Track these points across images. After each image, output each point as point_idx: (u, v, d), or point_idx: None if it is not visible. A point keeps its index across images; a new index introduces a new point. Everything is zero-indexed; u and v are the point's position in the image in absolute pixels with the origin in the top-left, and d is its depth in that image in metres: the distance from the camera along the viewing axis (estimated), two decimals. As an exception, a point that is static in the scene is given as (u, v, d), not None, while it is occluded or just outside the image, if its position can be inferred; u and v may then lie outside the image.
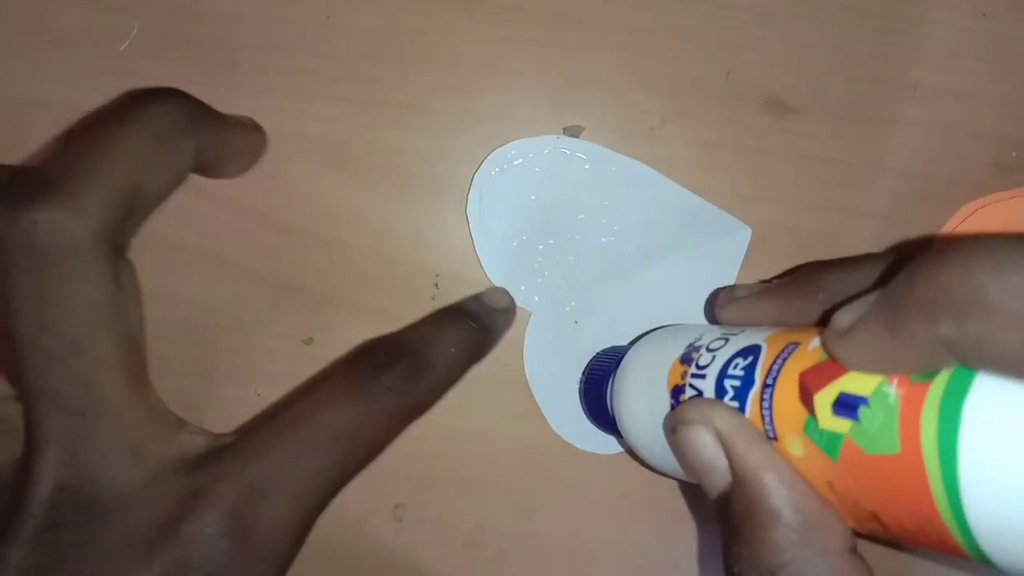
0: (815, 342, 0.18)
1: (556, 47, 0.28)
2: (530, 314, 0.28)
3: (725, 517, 0.19)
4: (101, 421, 0.19)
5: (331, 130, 0.27)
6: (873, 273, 0.20)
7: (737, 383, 0.20)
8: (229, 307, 0.27)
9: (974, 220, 0.28)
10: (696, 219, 0.28)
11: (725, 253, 0.28)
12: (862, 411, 0.16)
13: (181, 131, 0.22)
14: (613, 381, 0.25)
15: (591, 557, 0.28)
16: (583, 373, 0.27)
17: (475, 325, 0.25)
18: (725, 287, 0.25)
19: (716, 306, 0.24)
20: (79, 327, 0.19)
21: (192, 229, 0.27)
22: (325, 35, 0.27)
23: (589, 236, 0.28)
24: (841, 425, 0.17)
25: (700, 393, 0.21)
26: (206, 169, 0.24)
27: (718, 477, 0.19)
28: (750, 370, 0.20)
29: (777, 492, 0.18)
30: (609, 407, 0.25)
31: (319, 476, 0.20)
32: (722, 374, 0.20)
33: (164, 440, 0.20)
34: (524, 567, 0.28)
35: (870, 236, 0.28)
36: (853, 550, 0.18)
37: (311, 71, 0.27)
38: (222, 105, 0.24)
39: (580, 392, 0.27)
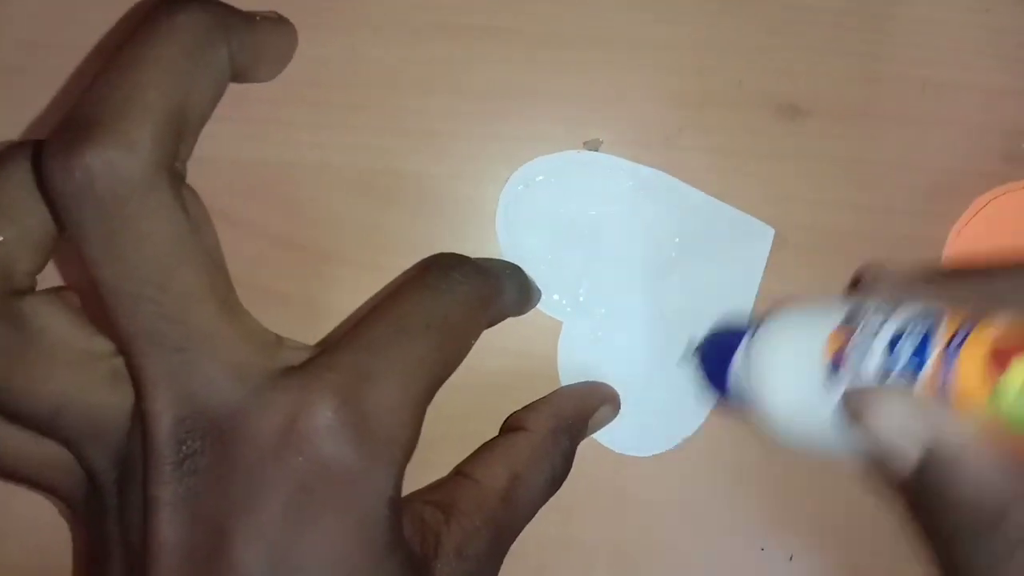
0: (998, 321, 0.19)
1: (571, 66, 0.28)
2: (561, 324, 0.29)
3: (921, 494, 0.20)
4: (201, 352, 0.19)
5: (357, 159, 0.28)
6: None
7: (913, 347, 0.20)
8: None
9: (988, 210, 0.28)
10: (718, 223, 0.28)
11: (749, 255, 0.28)
12: None
13: (212, 39, 0.20)
14: (745, 354, 0.24)
15: (633, 564, 0.29)
16: (695, 349, 0.28)
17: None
18: (871, 265, 0.25)
19: (867, 282, 0.25)
20: (158, 264, 0.19)
21: (228, 258, 0.27)
22: (349, 67, 0.28)
23: (614, 246, 0.28)
24: None
25: (867, 356, 0.21)
26: (243, 74, 0.22)
27: (910, 456, 0.20)
28: (928, 336, 0.20)
29: (980, 463, 0.19)
30: (730, 383, 0.25)
31: (420, 360, 0.20)
32: (896, 337, 0.20)
33: (266, 356, 0.20)
34: (565, 574, 0.29)
35: (886, 231, 0.29)
36: None
37: (336, 103, 0.28)
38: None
39: (697, 367, 0.27)
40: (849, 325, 0.22)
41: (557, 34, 0.29)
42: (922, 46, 0.29)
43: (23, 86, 0.29)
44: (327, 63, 0.28)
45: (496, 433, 0.27)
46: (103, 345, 0.21)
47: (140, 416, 0.20)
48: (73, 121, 0.19)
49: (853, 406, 0.21)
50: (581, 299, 0.29)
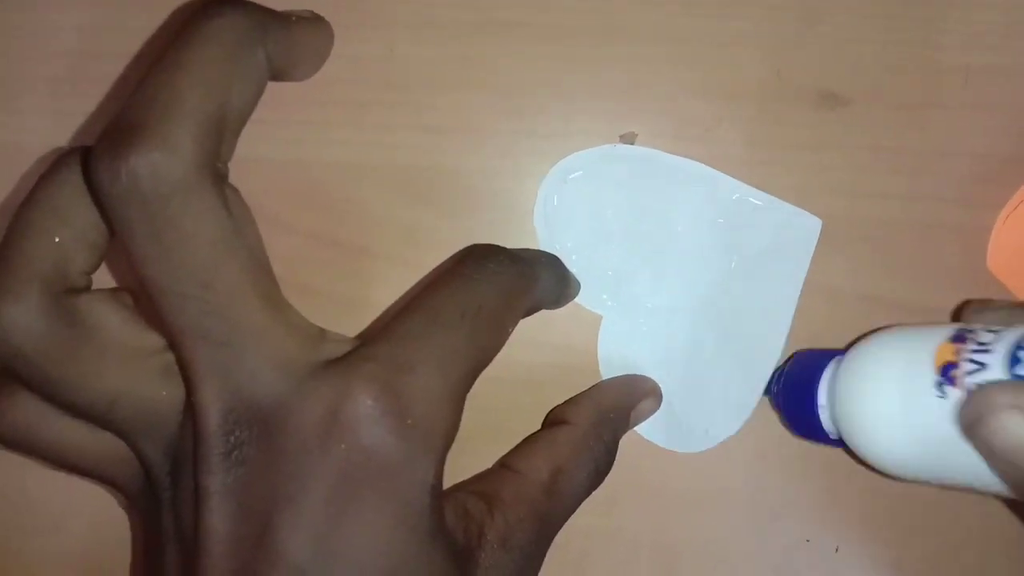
0: None
1: (608, 61, 0.29)
2: (601, 318, 0.29)
3: None
4: (246, 346, 0.20)
5: (395, 156, 0.29)
6: None
7: None
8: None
9: (1035, 197, 0.28)
10: (761, 213, 0.28)
11: (794, 245, 0.28)
12: None
13: (249, 41, 0.21)
14: (833, 382, 0.24)
15: (675, 555, 0.29)
16: (774, 383, 0.27)
17: None
18: (973, 300, 0.25)
19: (971, 311, 0.25)
20: (203, 262, 0.19)
21: (270, 258, 0.28)
22: (386, 66, 0.29)
23: (653, 238, 0.28)
24: None
25: (984, 366, 0.20)
26: (281, 73, 0.23)
27: None
28: None
29: None
30: (822, 412, 0.24)
31: (458, 349, 0.21)
32: (1017, 346, 0.20)
33: (310, 349, 0.21)
34: (607, 565, 0.29)
35: (931, 219, 0.28)
36: None
37: (372, 101, 0.29)
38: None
39: (776, 397, 0.27)
40: (959, 340, 0.21)
41: (592, 29, 0.29)
42: (964, 32, 0.28)
43: (72, 96, 0.29)
44: (363, 62, 0.29)
45: (537, 427, 0.28)
46: (155, 341, 0.21)
47: (190, 409, 0.20)
48: (118, 126, 0.19)
49: (972, 411, 0.20)
50: (621, 293, 0.29)
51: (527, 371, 0.29)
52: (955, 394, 0.21)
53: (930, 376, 0.21)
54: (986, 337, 0.21)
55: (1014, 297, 0.28)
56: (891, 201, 0.28)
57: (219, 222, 0.20)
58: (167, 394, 0.21)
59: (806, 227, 0.28)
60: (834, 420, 0.24)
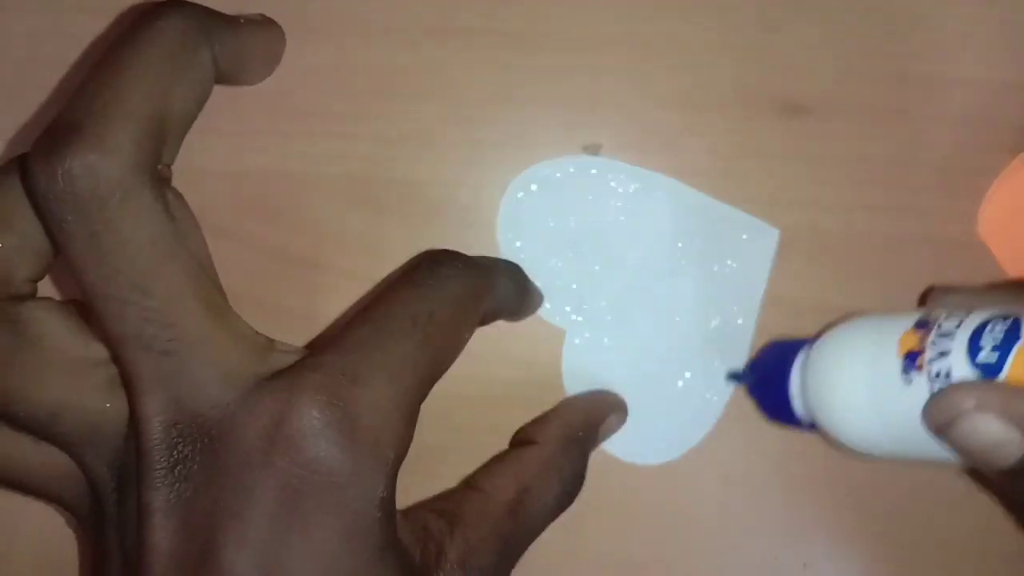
0: None
1: (568, 70, 0.28)
2: (565, 331, 0.28)
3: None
4: (188, 355, 0.19)
5: (352, 167, 0.28)
6: None
7: (997, 340, 0.20)
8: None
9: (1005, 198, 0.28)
10: (721, 224, 0.28)
11: (753, 256, 0.28)
12: None
13: (193, 43, 0.21)
14: (804, 367, 0.24)
15: (642, 574, 0.28)
16: (746, 368, 0.27)
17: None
18: (937, 285, 0.26)
19: (935, 296, 0.25)
20: (142, 266, 0.19)
21: (220, 272, 0.27)
22: (339, 76, 0.28)
23: (617, 250, 0.28)
24: None
25: (946, 353, 0.21)
26: (229, 77, 0.23)
27: (1011, 450, 0.19)
28: (1015, 330, 0.20)
29: None
30: (793, 397, 0.25)
31: (409, 357, 0.20)
32: (977, 333, 0.20)
33: (256, 360, 0.20)
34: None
35: (894, 230, 0.28)
36: None
37: (331, 111, 0.28)
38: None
39: (749, 383, 0.27)
40: (923, 327, 0.22)
41: (553, 37, 0.28)
42: (925, 41, 0.28)
43: (19, 103, 0.28)
44: (320, 71, 0.28)
45: (503, 444, 0.27)
46: (100, 352, 0.21)
47: (132, 420, 0.20)
48: (56, 127, 0.19)
49: (941, 408, 0.20)
50: (584, 306, 0.28)
51: (491, 387, 0.28)
52: (920, 380, 0.21)
53: (895, 363, 0.22)
54: (948, 325, 0.21)
55: (1000, 265, 0.28)
56: (854, 211, 0.28)
57: (158, 225, 0.19)
58: (111, 406, 0.20)
59: (765, 237, 0.28)
60: (806, 406, 0.24)
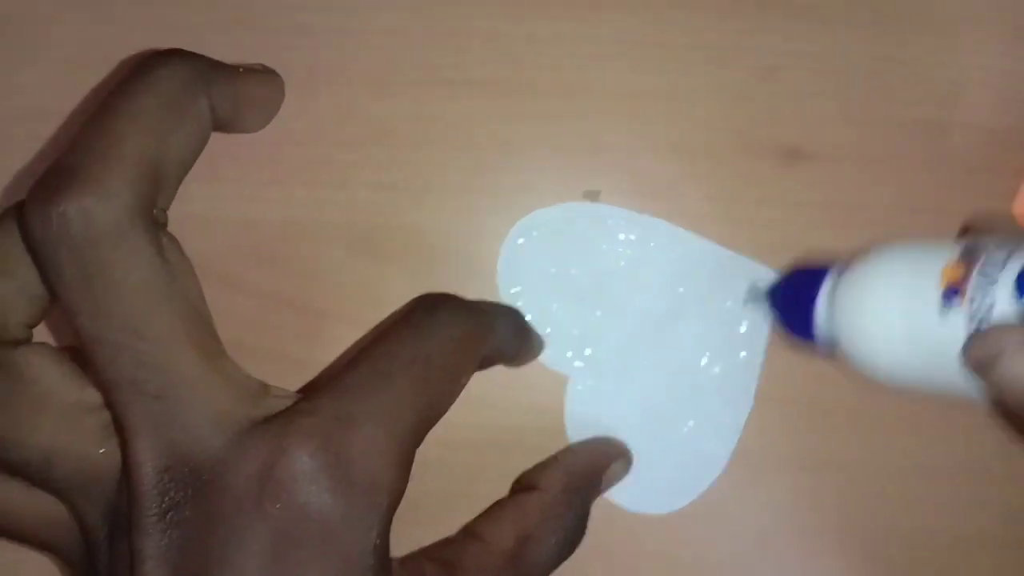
0: None
1: (568, 118, 0.28)
2: (567, 378, 0.28)
3: None
4: (180, 399, 0.19)
5: (354, 216, 0.28)
6: None
7: None
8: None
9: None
10: (722, 270, 0.28)
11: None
12: None
13: (191, 91, 0.21)
14: (833, 291, 0.24)
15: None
16: (772, 286, 0.27)
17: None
18: (978, 215, 0.25)
19: (977, 228, 0.25)
20: (135, 310, 0.19)
21: (223, 320, 0.27)
22: (342, 124, 0.28)
23: (618, 295, 0.28)
24: None
25: (991, 289, 0.20)
26: (227, 125, 0.23)
27: None
28: None
29: None
30: (819, 321, 0.24)
31: (403, 402, 0.20)
32: (1020, 275, 0.20)
33: (248, 405, 0.20)
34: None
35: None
36: None
37: (330, 160, 0.28)
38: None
39: (775, 302, 0.27)
40: (967, 260, 0.21)
41: (552, 86, 0.29)
42: (922, 87, 0.29)
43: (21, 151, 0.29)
44: (319, 120, 0.28)
45: (504, 492, 0.27)
46: (95, 397, 0.21)
47: (124, 464, 0.20)
48: (52, 171, 0.19)
49: (982, 352, 0.20)
50: (586, 352, 0.28)
51: (494, 433, 0.28)
52: (960, 315, 0.21)
53: (935, 295, 0.21)
54: (995, 259, 0.21)
55: None
56: (856, 256, 0.28)
57: (152, 269, 0.19)
58: (105, 452, 0.20)
59: (765, 279, 0.28)
60: (832, 330, 0.24)
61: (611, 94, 0.29)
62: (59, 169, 0.19)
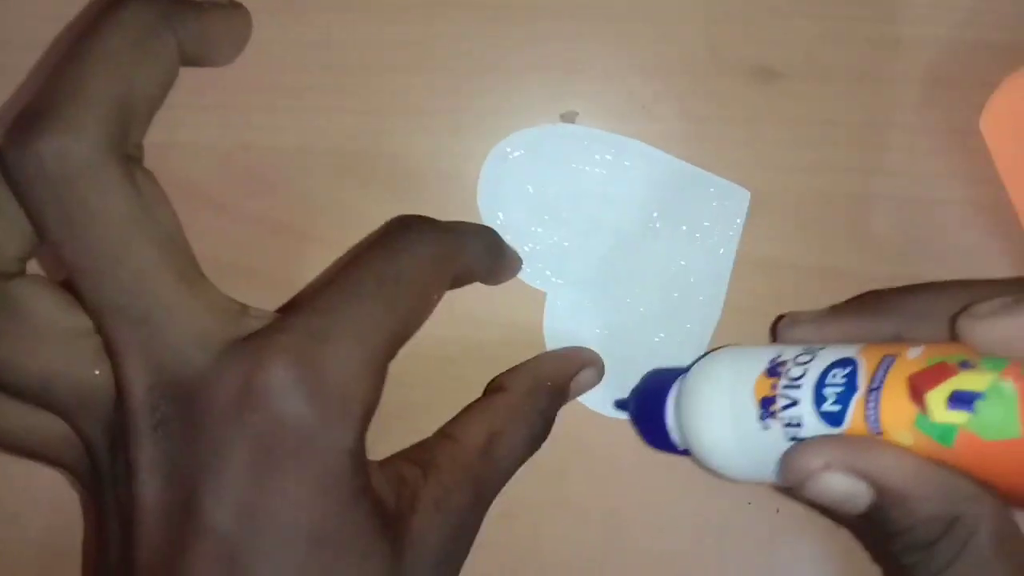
0: (914, 351, 0.21)
1: (545, 40, 0.29)
2: (545, 294, 0.29)
3: (880, 527, 0.22)
4: (163, 322, 0.20)
5: (336, 141, 0.29)
6: (962, 298, 0.22)
7: (838, 390, 0.22)
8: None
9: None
10: (693, 188, 0.29)
11: (726, 218, 0.29)
12: (978, 404, 0.20)
13: (156, 29, 0.22)
14: (677, 400, 0.26)
15: (624, 521, 0.30)
16: (632, 395, 0.28)
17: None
18: (786, 314, 0.27)
19: (782, 329, 0.26)
20: (112, 239, 0.20)
21: (212, 243, 0.27)
22: (324, 51, 0.29)
23: (594, 214, 0.29)
24: (956, 417, 0.20)
25: (795, 403, 0.22)
26: (197, 60, 0.24)
27: (860, 501, 0.21)
28: (851, 377, 0.22)
29: (929, 482, 0.21)
30: (670, 427, 0.26)
31: (374, 318, 0.21)
32: (820, 383, 0.22)
33: (228, 324, 0.21)
34: (558, 534, 0.29)
35: (865, 190, 0.29)
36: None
37: (314, 86, 0.29)
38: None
39: (631, 412, 0.28)
40: (774, 373, 0.23)
41: (529, 7, 0.29)
42: (892, 3, 0.29)
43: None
44: (301, 46, 0.29)
45: (483, 401, 0.28)
46: (88, 323, 0.22)
47: (116, 384, 0.21)
48: (26, 113, 0.20)
49: (792, 468, 0.22)
50: (563, 269, 0.29)
51: (475, 348, 0.29)
52: (776, 426, 0.23)
53: (752, 409, 0.23)
54: (795, 372, 0.23)
55: (995, 159, 0.28)
56: (825, 173, 0.29)
57: (127, 200, 0.20)
58: (100, 373, 0.21)
59: (736, 198, 0.29)
60: (680, 435, 0.26)
61: (589, 15, 0.29)
62: (32, 111, 0.20)
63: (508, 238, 0.28)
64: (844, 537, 0.29)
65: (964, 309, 0.21)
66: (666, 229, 0.29)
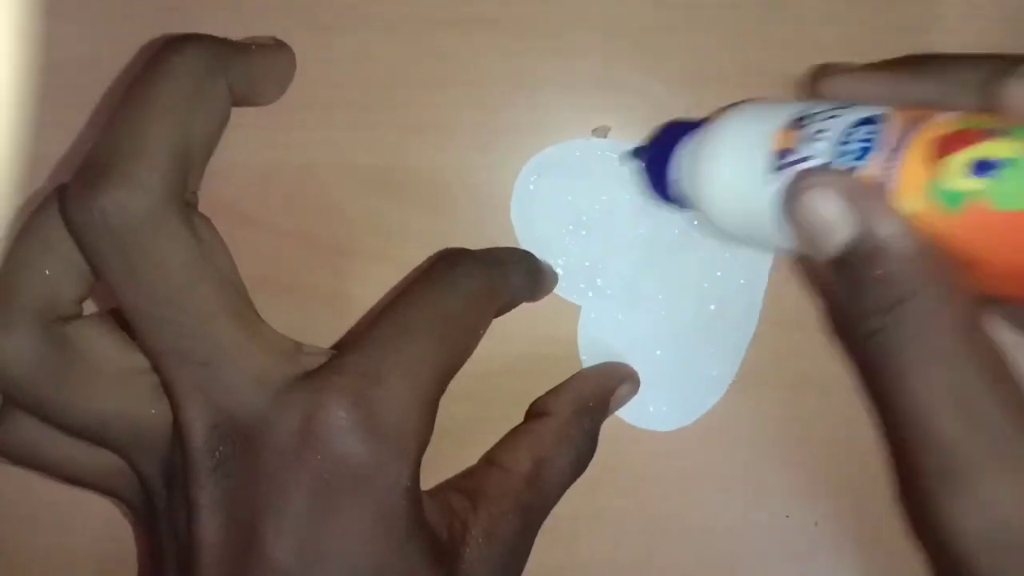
0: (946, 115, 0.20)
1: (577, 54, 0.29)
2: (579, 307, 0.29)
3: (845, 273, 0.20)
4: (223, 364, 0.21)
5: (372, 156, 0.29)
6: (1007, 69, 0.21)
7: (860, 146, 0.21)
8: (294, 327, 0.29)
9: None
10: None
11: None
12: (1002, 171, 0.19)
13: (210, 74, 0.22)
14: (688, 146, 0.25)
15: (660, 533, 0.30)
16: (644, 142, 0.28)
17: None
18: (822, 65, 0.26)
19: (816, 78, 0.25)
20: (176, 287, 0.21)
21: (249, 259, 0.28)
22: (360, 67, 0.29)
23: (627, 229, 0.29)
24: (974, 184, 0.19)
25: (812, 157, 0.21)
26: (245, 100, 0.24)
27: (839, 235, 0.20)
28: (874, 135, 0.21)
29: (904, 237, 0.19)
30: (673, 175, 0.25)
31: (426, 357, 0.22)
32: (843, 138, 0.21)
33: (285, 363, 0.22)
34: (595, 545, 0.30)
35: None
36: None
37: (348, 102, 0.29)
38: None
39: (641, 158, 0.28)
40: (797, 127, 0.22)
41: (562, 21, 0.29)
42: (930, 14, 0.29)
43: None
44: (337, 64, 0.29)
45: (522, 416, 0.29)
46: (143, 362, 0.22)
47: (176, 426, 0.21)
48: (87, 166, 0.21)
49: (792, 187, 0.21)
50: (598, 282, 0.29)
51: (510, 362, 0.29)
52: (783, 178, 0.22)
53: (768, 159, 0.22)
54: (819, 125, 0.22)
55: None
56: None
57: (188, 249, 0.21)
58: (156, 412, 0.22)
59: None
60: (685, 187, 0.25)
61: (620, 29, 0.29)
62: (93, 163, 0.21)
63: (542, 253, 0.29)
64: (883, 551, 0.28)
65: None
66: (699, 240, 0.29)
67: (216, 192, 0.28)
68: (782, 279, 0.29)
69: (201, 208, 0.25)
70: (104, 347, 0.22)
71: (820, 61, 0.29)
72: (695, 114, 0.29)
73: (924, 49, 0.28)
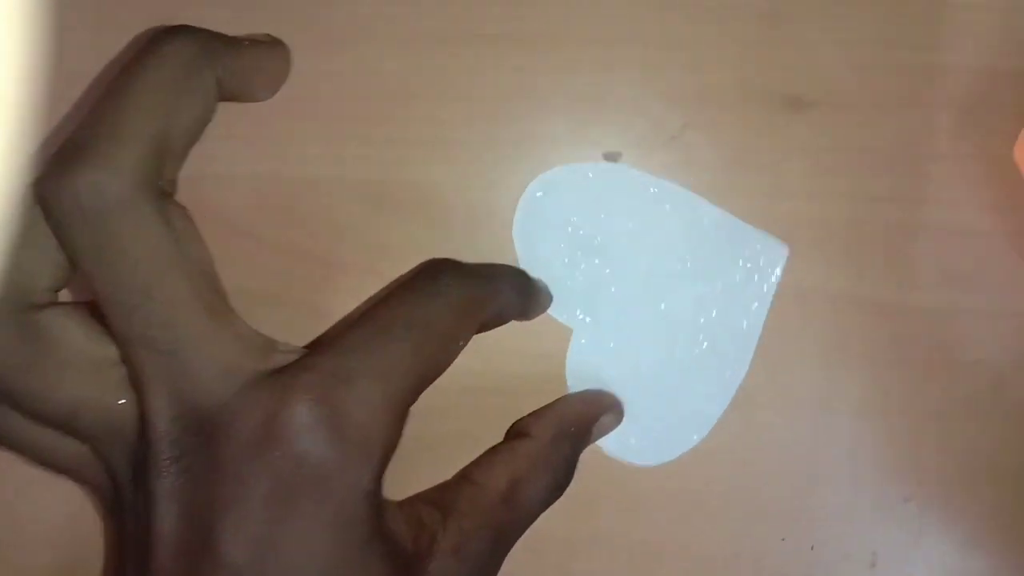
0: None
1: (575, 69, 0.29)
2: (571, 331, 0.29)
3: None
4: (190, 354, 0.21)
5: (371, 171, 0.29)
6: None
7: None
8: (285, 340, 0.29)
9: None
10: (732, 239, 0.28)
11: (762, 272, 0.29)
12: None
13: (197, 66, 0.22)
14: None
15: (655, 558, 0.29)
16: None
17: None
18: None
19: None
20: (144, 274, 0.20)
21: (242, 272, 0.28)
22: (359, 80, 0.29)
23: (629, 258, 0.29)
24: None
25: None
26: (235, 95, 0.24)
27: None
28: None
29: None
30: None
31: (400, 362, 0.21)
32: None
33: (255, 358, 0.21)
34: (589, 570, 0.29)
35: (901, 219, 0.29)
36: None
37: (348, 116, 0.29)
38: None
39: None
40: None
41: (558, 36, 0.29)
42: (929, 31, 0.28)
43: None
44: (337, 77, 0.29)
45: (503, 433, 0.28)
46: (115, 352, 0.22)
47: (141, 415, 0.21)
48: (65, 147, 0.21)
49: None
50: (592, 308, 0.29)
51: (499, 379, 0.29)
52: None
53: None
54: None
55: None
56: (860, 202, 0.29)
57: (159, 235, 0.21)
58: (127, 403, 0.22)
59: (774, 253, 0.28)
60: None
61: (619, 44, 0.29)
62: (71, 146, 0.21)
63: (540, 272, 0.28)
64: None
65: None
66: (699, 278, 0.29)
67: (210, 202, 0.28)
68: (782, 301, 0.28)
69: (195, 218, 0.24)
70: (76, 336, 0.22)
71: (821, 80, 0.28)
72: (691, 131, 0.29)
73: (924, 67, 0.28)
